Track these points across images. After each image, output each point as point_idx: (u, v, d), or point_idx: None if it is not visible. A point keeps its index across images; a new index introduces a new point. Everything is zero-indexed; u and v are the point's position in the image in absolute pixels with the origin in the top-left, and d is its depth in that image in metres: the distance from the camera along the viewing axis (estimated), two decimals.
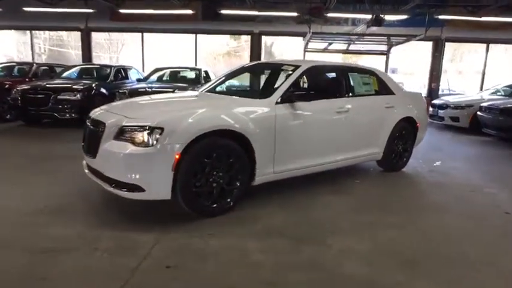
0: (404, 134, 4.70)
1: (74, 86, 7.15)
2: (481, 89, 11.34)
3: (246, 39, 13.70)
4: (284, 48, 14.11)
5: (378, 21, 7.72)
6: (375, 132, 4.30)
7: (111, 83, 8.17)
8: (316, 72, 3.89)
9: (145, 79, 8.47)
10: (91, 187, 3.57)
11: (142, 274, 2.14)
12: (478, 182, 4.47)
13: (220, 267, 2.25)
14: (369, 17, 8.61)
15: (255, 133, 3.07)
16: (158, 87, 7.17)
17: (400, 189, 4.15)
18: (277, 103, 3.31)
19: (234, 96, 3.44)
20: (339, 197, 3.69)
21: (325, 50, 11.33)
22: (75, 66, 9.14)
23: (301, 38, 11.52)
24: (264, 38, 12.62)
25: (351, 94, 4.06)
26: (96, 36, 12.71)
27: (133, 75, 9.37)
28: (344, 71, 4.14)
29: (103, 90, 7.67)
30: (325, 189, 3.86)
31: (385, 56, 11.17)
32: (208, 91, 4.06)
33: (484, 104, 7.82)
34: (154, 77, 8.66)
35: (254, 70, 4.53)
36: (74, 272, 2.14)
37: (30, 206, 3.11)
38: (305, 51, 11.28)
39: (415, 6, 8.05)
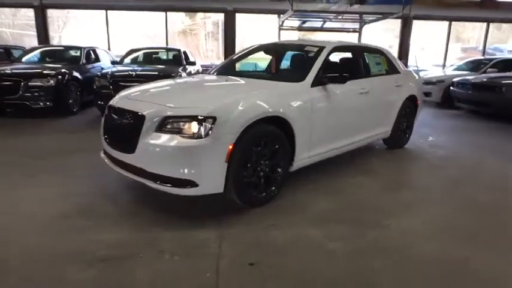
0: (408, 112, 4.86)
1: (45, 72, 6.44)
2: (444, 65, 12.04)
3: (202, 17, 13.14)
4: (241, 26, 13.69)
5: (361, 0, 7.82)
6: (388, 111, 4.41)
7: (83, 66, 7.49)
8: (337, 52, 3.84)
9: (120, 61, 7.86)
10: (108, 183, 3.35)
11: (229, 275, 2.02)
12: (476, 153, 4.78)
13: (302, 260, 2.20)
14: None
15: (296, 118, 2.98)
16: (142, 71, 6.68)
17: (416, 165, 4.33)
18: (311, 86, 3.24)
19: (268, 80, 3.29)
20: (367, 177, 3.75)
21: (300, 28, 11.26)
22: (36, 48, 8.21)
23: (275, 16, 11.35)
24: (218, 16, 12.15)
25: (368, 74, 4.08)
26: (31, 14, 11.30)
27: (104, 57, 8.66)
28: (361, 51, 4.13)
29: (76, 74, 7.01)
30: (350, 171, 3.90)
31: (357, 34, 11.38)
32: (227, 74, 3.85)
33: (457, 79, 8.31)
34: (128, 59, 8.06)
35: (272, 50, 4.36)
36: (155, 280, 1.97)
37: (55, 209, 2.79)
38: (280, 29, 11.12)
39: None
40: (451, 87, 8.42)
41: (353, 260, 2.21)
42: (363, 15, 10.33)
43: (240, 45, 11.86)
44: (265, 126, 2.76)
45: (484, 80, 7.60)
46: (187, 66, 7.69)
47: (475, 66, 9.96)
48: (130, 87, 3.52)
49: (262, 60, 4.54)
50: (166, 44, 11.11)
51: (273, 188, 2.97)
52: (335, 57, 4.55)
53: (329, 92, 3.36)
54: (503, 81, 7.10)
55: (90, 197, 3.08)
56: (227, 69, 4.06)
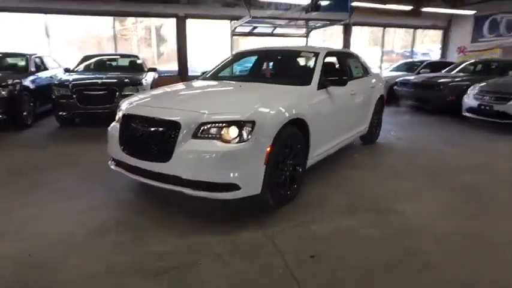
0: (378, 110, 5.37)
1: None
2: (381, 67, 13.31)
3: (133, 22, 12.75)
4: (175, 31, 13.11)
5: (317, 7, 8.32)
6: (367, 109, 4.84)
7: (31, 75, 6.82)
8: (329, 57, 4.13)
9: (75, 69, 7.31)
10: (118, 193, 3.29)
11: (299, 269, 2.13)
12: (435, 144, 5.45)
13: (352, 247, 2.40)
14: (298, 2, 9.14)
15: (311, 119, 3.18)
16: (107, 78, 6.32)
17: (393, 156, 4.80)
18: (317, 89, 3.48)
19: (278, 85, 3.44)
20: (358, 170, 4.11)
21: (250, 34, 11.53)
22: None
23: (227, 22, 11.50)
24: (152, 20, 11.92)
25: (352, 77, 4.45)
26: None
27: (51, 65, 7.98)
28: (345, 55, 4.49)
29: (28, 84, 6.38)
30: (340, 166, 4.20)
31: (305, 39, 12.03)
32: (227, 79, 3.91)
33: (400, 80, 9.28)
34: (82, 66, 7.54)
35: (266, 56, 4.50)
36: (232, 282, 2.00)
37: (84, 227, 2.63)
38: (232, 35, 11.28)
39: None
40: (395, 87, 9.37)
41: (394, 243, 2.48)
42: (309, 22, 10.97)
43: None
44: (289, 128, 2.91)
45: (424, 79, 8.60)
46: (149, 73, 7.45)
47: (408, 67, 11.21)
48: (134, 95, 3.41)
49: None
50: (115, 50, 10.55)
51: (295, 186, 3.13)
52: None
53: (330, 94, 3.63)
54: (440, 80, 8.14)
55: (111, 209, 2.95)
56: (223, 75, 4.11)
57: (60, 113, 6.14)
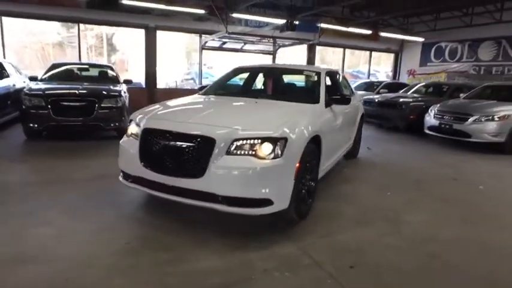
0: (360, 127, 5.73)
1: None
2: None
3: (82, 29, 12.37)
4: (127, 41, 12.97)
5: (292, 27, 8.69)
6: (354, 126, 5.16)
7: None
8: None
9: (44, 78, 6.83)
10: (130, 211, 3.18)
11: (345, 279, 2.23)
12: (409, 159, 5.94)
13: (383, 254, 2.57)
14: (271, 21, 9.50)
15: (323, 135, 3.35)
16: (84, 89, 5.99)
17: (377, 170, 5.13)
18: (325, 107, 3.67)
19: (290, 102, 3.56)
20: (354, 184, 4.36)
21: (220, 48, 11.66)
22: None
23: (190, 35, 11.53)
24: (103, 29, 11.71)
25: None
26: None
27: (12, 72, 7.39)
28: (337, 75, 4.77)
29: None
30: (333, 180, 4.39)
31: (271, 56, 12.43)
32: (230, 94, 3.97)
33: (364, 98, 9.89)
34: (51, 75, 7.06)
35: (269, 73, 4.60)
36: None
37: (110, 247, 2.50)
38: (202, 48, 11.31)
39: (310, 14, 9.41)
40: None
41: (414, 248, 2.70)
42: (278, 40, 11.40)
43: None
44: (310, 144, 3.04)
45: (386, 99, 9.29)
46: (123, 85, 7.18)
47: (368, 86, 12.07)
48: (144, 108, 3.33)
49: None
50: (79, 59, 10.00)
51: (310, 200, 3.25)
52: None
53: (334, 112, 3.85)
54: (401, 100, 8.86)
55: (128, 228, 2.84)
56: (226, 90, 4.16)
57: (31, 125, 5.69)
